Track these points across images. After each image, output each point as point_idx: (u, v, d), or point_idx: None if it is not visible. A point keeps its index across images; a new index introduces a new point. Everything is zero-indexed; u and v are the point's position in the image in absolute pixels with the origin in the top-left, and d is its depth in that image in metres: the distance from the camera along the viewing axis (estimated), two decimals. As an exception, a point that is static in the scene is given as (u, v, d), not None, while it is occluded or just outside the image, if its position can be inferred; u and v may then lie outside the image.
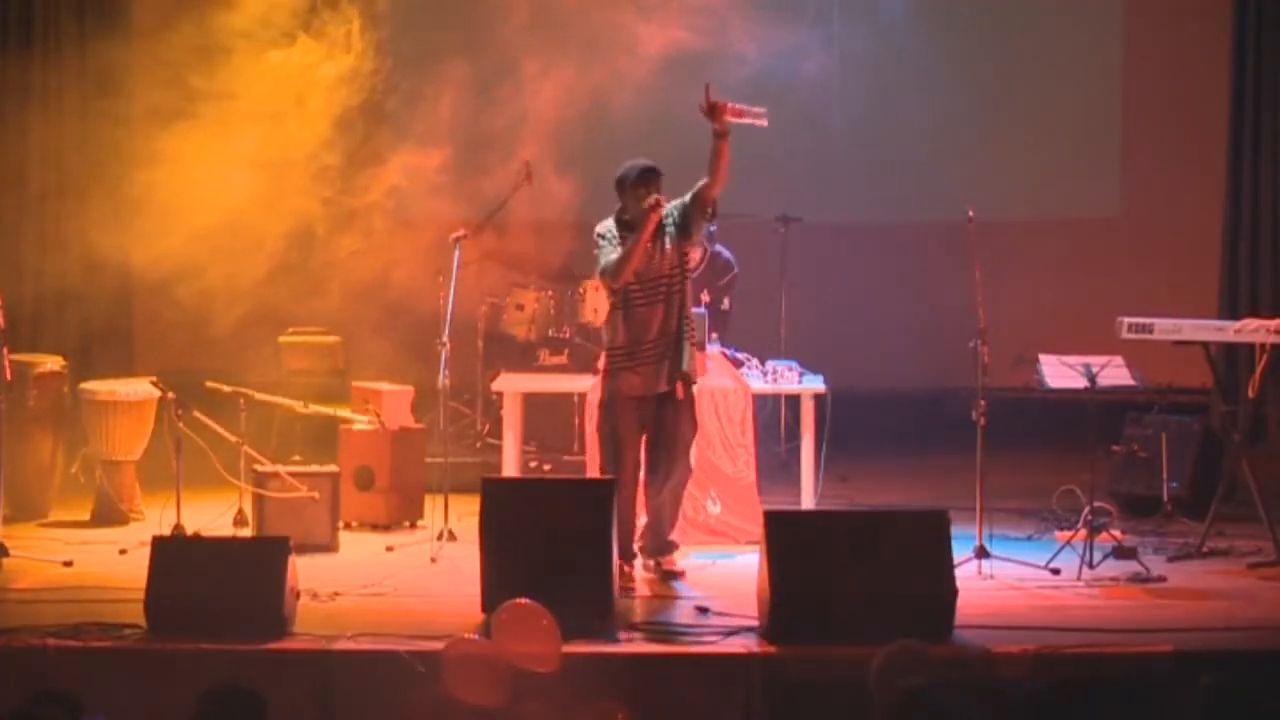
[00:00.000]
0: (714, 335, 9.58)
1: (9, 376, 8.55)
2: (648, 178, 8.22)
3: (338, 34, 9.76)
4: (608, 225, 8.25)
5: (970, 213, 8.59)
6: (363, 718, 6.64)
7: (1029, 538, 9.04)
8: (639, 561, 8.23)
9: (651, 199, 8.12)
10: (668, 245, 8.21)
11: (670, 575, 8.21)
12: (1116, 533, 8.64)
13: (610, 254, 8.15)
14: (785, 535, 7.16)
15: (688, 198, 8.28)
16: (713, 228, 9.93)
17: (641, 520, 8.30)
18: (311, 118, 9.66)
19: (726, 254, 9.93)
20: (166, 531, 8.36)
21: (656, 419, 8.16)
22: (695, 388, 8.27)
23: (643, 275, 8.16)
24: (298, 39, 9.73)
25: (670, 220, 8.23)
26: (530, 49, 11.11)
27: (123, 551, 8.57)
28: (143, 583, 7.07)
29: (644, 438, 8.20)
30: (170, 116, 9.81)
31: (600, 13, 10.48)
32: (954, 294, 9.70)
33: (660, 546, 8.28)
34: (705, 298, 9.74)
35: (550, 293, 11.08)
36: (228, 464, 8.86)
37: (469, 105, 10.46)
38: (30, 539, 8.89)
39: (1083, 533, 8.31)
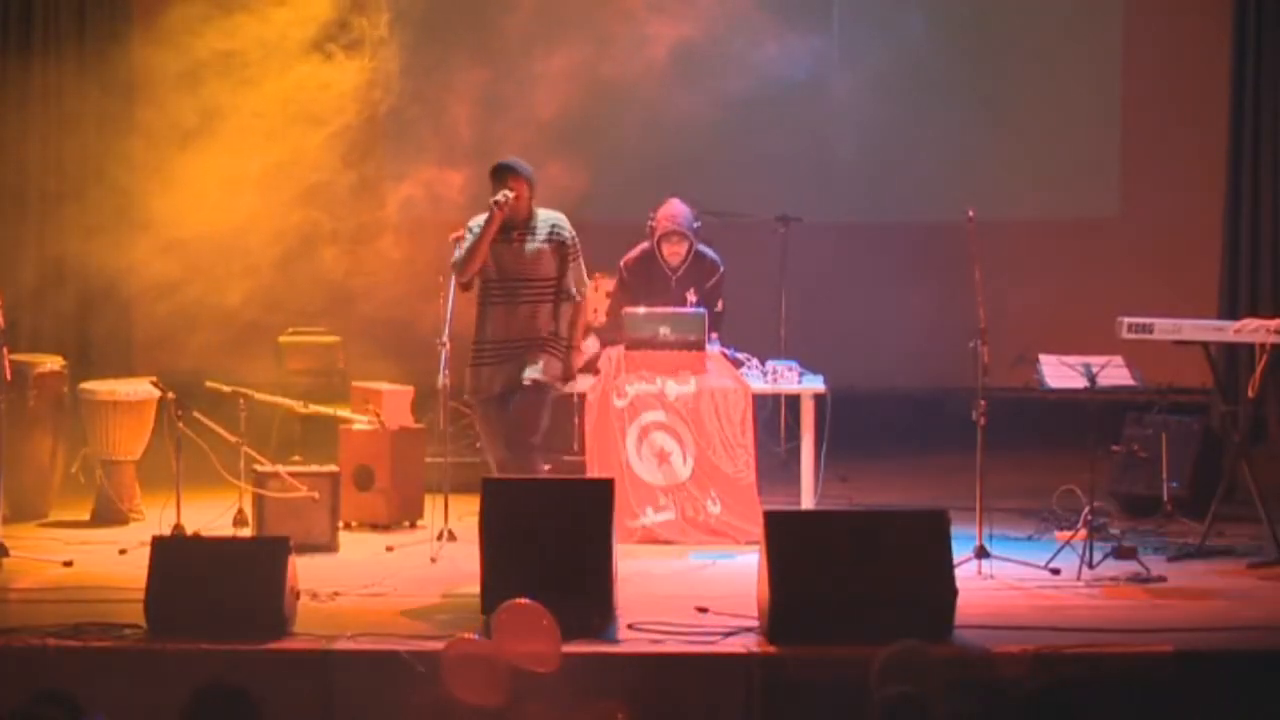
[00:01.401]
0: (713, 335, 9.58)
1: (9, 376, 8.55)
2: (499, 174, 8.36)
3: (344, 38, 9.76)
4: (477, 219, 8.41)
5: (970, 213, 8.59)
6: (363, 718, 6.64)
7: (1029, 538, 9.03)
8: None
9: (498, 196, 8.25)
10: (531, 249, 8.34)
11: None
12: (1116, 533, 8.64)
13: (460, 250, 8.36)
14: (785, 535, 7.15)
15: (569, 272, 8.47)
16: (697, 224, 9.92)
17: None
18: (313, 118, 9.66)
19: (712, 254, 9.90)
20: (166, 531, 8.36)
21: (507, 413, 8.32)
22: (548, 390, 8.37)
23: (504, 273, 8.31)
24: (300, 41, 9.73)
25: (553, 236, 8.39)
26: (530, 50, 11.11)
27: (123, 551, 8.57)
28: (143, 583, 7.06)
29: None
30: (171, 116, 9.82)
31: (604, 12, 10.49)
32: (954, 294, 9.71)
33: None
34: (692, 298, 9.72)
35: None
36: (228, 464, 8.85)
37: (469, 106, 10.46)
38: (30, 539, 8.89)
39: (1083, 533, 8.31)
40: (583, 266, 8.59)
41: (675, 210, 9.82)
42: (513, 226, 8.40)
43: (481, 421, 8.56)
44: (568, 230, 8.51)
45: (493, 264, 8.40)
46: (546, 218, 8.49)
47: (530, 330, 8.39)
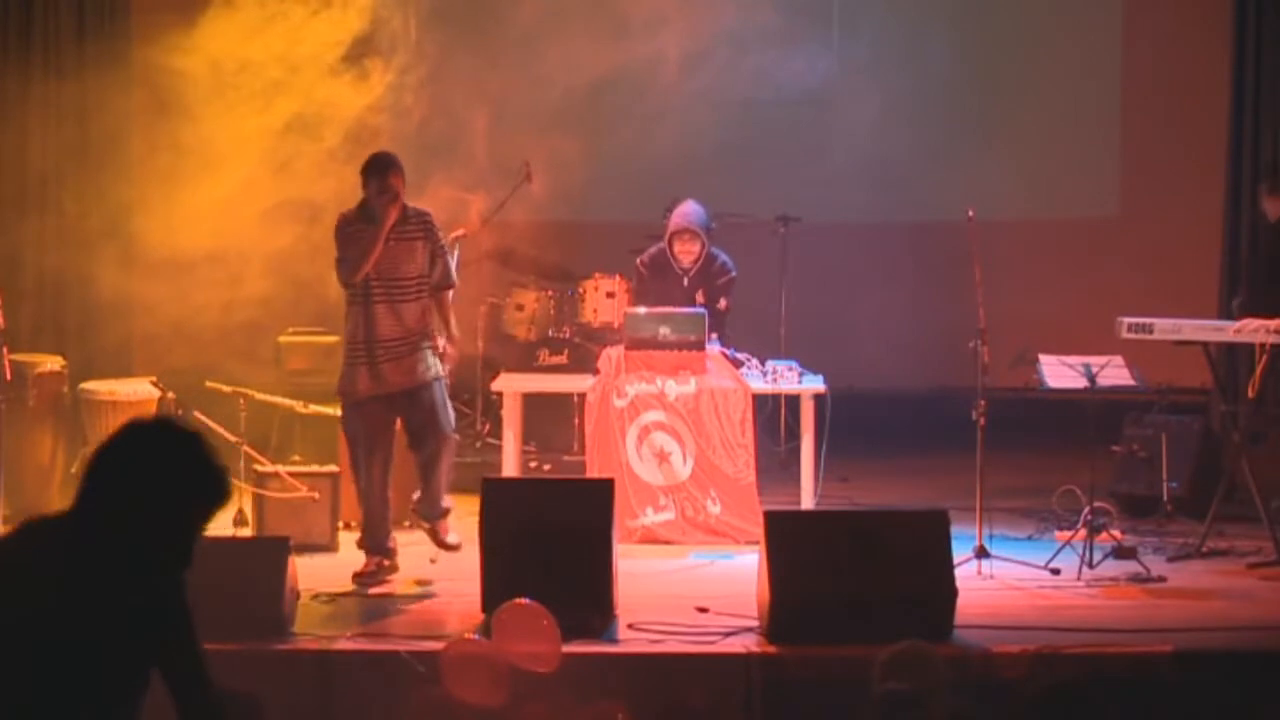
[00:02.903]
0: (713, 335, 9.58)
1: (9, 376, 8.55)
2: (384, 169, 8.12)
3: (339, 32, 9.76)
4: (346, 215, 8.23)
5: (970, 213, 8.59)
6: (363, 718, 6.64)
7: (1029, 538, 9.04)
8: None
9: (388, 194, 8.06)
10: (414, 248, 8.19)
11: (444, 545, 8.32)
12: (1116, 533, 8.64)
13: (346, 248, 8.15)
14: (785, 535, 7.16)
15: (437, 274, 8.31)
16: (712, 225, 9.93)
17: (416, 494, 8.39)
18: (315, 121, 9.66)
19: (725, 258, 9.92)
20: (166, 531, 8.34)
21: (410, 410, 8.19)
22: (436, 379, 8.23)
23: (383, 274, 8.13)
24: (298, 33, 9.73)
25: (419, 231, 8.22)
26: (530, 50, 11.12)
27: (123, 551, 8.56)
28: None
29: (400, 425, 8.25)
30: (172, 115, 9.81)
31: (604, 12, 10.49)
32: (954, 294, 9.71)
33: (431, 512, 8.29)
34: (700, 299, 9.73)
35: (550, 293, 11.08)
36: (228, 464, 8.83)
37: (469, 106, 10.47)
38: (30, 539, 8.87)
39: (1083, 533, 8.31)
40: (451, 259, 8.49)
41: (689, 209, 9.87)
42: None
43: (367, 425, 8.21)
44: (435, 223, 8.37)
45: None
46: (416, 213, 8.31)
47: (415, 327, 8.20)
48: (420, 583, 8.12)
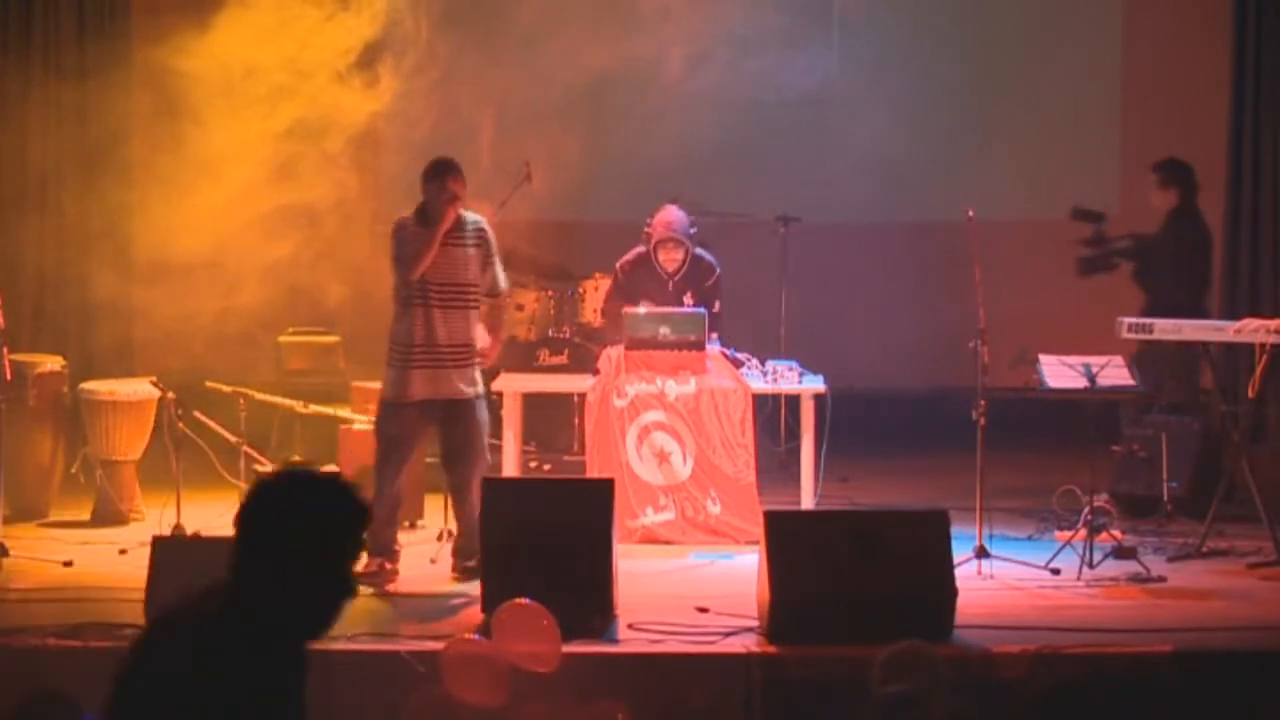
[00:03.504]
0: (713, 335, 9.58)
1: (9, 376, 8.55)
2: (444, 171, 8.16)
3: (347, 36, 9.77)
4: (405, 218, 8.24)
5: (970, 213, 8.59)
6: (363, 718, 6.64)
7: (1029, 538, 9.04)
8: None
9: (446, 195, 8.10)
10: (469, 255, 8.21)
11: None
12: (1116, 533, 8.64)
13: (404, 248, 8.16)
14: (785, 535, 7.16)
15: (493, 271, 8.35)
16: (693, 230, 9.90)
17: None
18: (315, 121, 9.66)
19: (709, 257, 9.89)
20: (166, 531, 8.36)
21: (450, 423, 8.17)
22: (478, 397, 8.24)
23: (438, 279, 8.14)
24: (304, 36, 9.73)
25: (475, 239, 8.25)
26: (530, 50, 11.12)
27: (123, 551, 8.58)
28: (143, 583, 7.06)
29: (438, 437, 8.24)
30: (172, 116, 9.82)
31: (604, 12, 10.49)
32: (954, 294, 9.71)
33: (472, 548, 8.06)
34: (689, 301, 9.72)
35: (550, 293, 11.08)
36: (228, 464, 8.85)
37: (469, 106, 10.47)
38: (30, 539, 8.89)
39: (1083, 533, 8.31)
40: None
41: (671, 217, 9.80)
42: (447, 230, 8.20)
43: (403, 423, 8.19)
44: (490, 231, 8.39)
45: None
46: (474, 220, 8.34)
47: (469, 338, 8.21)
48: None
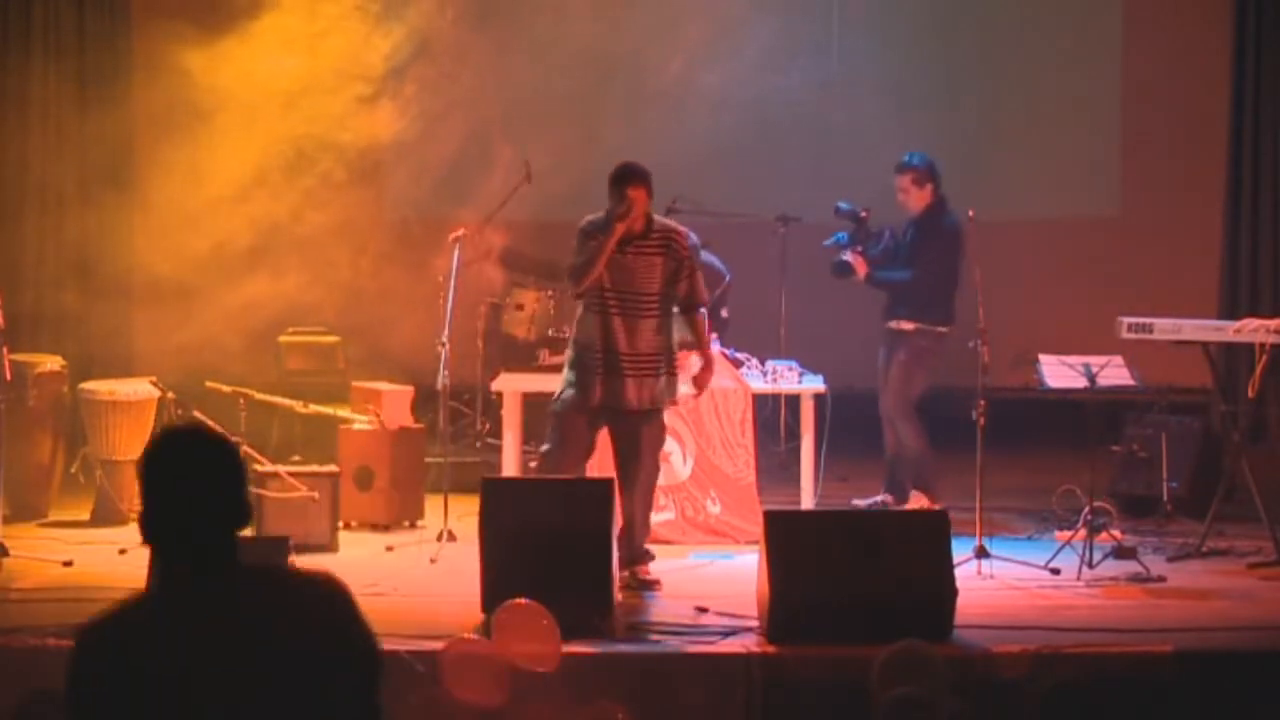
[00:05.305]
0: (714, 336, 9.57)
1: (9, 376, 8.55)
2: (623, 179, 7.96)
3: (345, 28, 9.77)
4: (593, 220, 8.07)
5: (970, 213, 8.59)
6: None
7: (1029, 538, 9.04)
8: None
9: (622, 207, 7.90)
10: (652, 263, 8.03)
11: (645, 585, 8.08)
12: (1116, 533, 8.65)
13: (578, 253, 8.00)
14: (785, 535, 7.16)
15: (681, 292, 8.09)
16: (695, 240, 9.87)
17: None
18: (315, 122, 9.67)
19: (718, 263, 9.88)
20: (166, 531, 8.34)
21: (619, 432, 8.11)
22: (653, 410, 8.12)
23: (618, 286, 7.98)
24: (306, 41, 9.74)
25: (660, 248, 8.03)
26: (530, 49, 11.12)
27: (123, 551, 8.57)
28: (142, 583, 7.05)
29: (613, 446, 8.15)
30: (172, 116, 9.82)
31: (604, 10, 10.48)
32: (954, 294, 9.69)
33: (635, 555, 8.12)
34: None
35: (550, 293, 11.07)
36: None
37: (469, 106, 10.46)
38: (30, 539, 8.89)
39: (1082, 533, 8.31)
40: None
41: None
42: (629, 237, 7.98)
43: (577, 426, 8.13)
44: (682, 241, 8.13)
45: (605, 274, 7.98)
46: (664, 227, 8.12)
47: (652, 347, 8.03)
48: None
